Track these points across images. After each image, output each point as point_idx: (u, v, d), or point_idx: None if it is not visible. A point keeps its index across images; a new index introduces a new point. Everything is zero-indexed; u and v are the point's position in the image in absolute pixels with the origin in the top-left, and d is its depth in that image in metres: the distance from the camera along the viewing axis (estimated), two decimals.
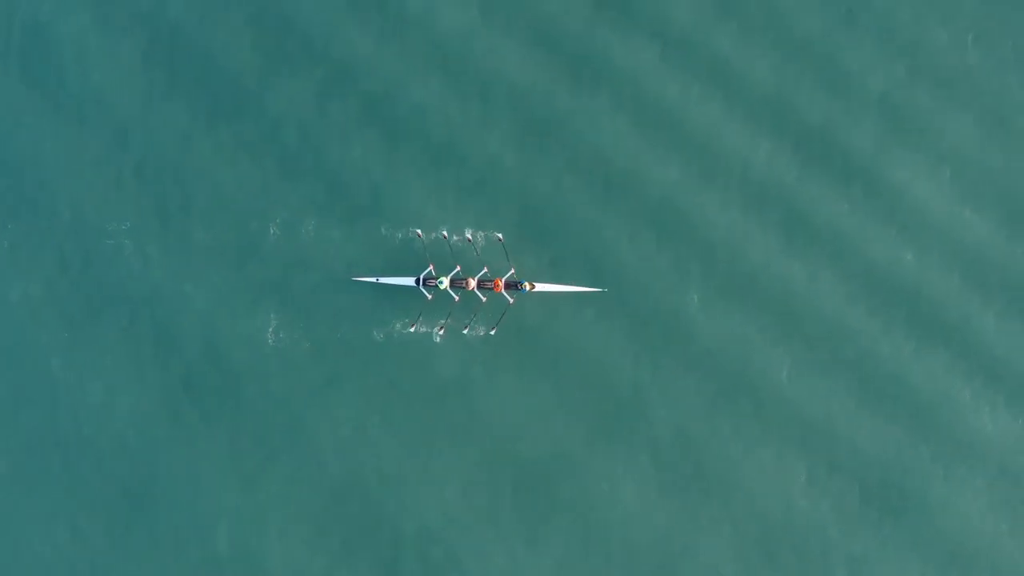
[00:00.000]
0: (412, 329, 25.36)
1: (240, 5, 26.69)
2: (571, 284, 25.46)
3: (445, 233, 25.53)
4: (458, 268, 25.24)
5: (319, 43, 26.44)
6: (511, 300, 25.15)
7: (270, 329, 25.84)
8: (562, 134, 26.10)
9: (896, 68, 26.17)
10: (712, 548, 25.25)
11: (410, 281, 25.21)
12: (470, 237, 25.53)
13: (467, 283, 25.07)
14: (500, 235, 25.49)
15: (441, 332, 25.39)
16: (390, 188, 26.04)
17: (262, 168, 26.17)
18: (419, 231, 25.50)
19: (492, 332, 25.27)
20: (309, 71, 26.40)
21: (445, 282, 24.99)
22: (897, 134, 26.05)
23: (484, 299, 25.17)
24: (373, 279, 25.41)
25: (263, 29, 26.57)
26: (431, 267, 25.18)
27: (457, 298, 25.09)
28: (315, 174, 26.12)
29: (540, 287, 25.29)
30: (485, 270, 25.22)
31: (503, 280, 25.12)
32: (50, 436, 25.86)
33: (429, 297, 25.08)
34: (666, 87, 26.19)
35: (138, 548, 25.49)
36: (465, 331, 25.34)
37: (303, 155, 26.19)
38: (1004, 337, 25.75)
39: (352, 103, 26.29)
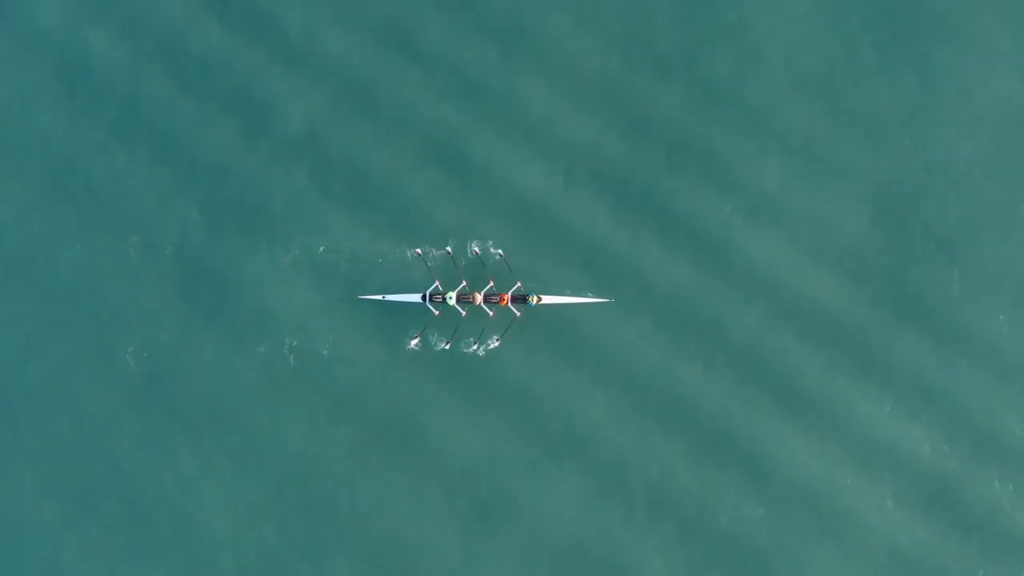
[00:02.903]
0: (414, 343, 25.41)
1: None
2: (578, 296, 25.26)
3: (449, 249, 25.30)
4: (464, 283, 25.13)
5: (317, 63, 26.52)
6: (518, 313, 25.08)
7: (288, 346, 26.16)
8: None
9: None
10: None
11: (416, 298, 25.16)
12: (477, 251, 25.27)
13: (473, 298, 24.99)
14: (500, 251, 25.23)
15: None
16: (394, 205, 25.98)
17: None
18: (419, 250, 25.33)
19: (497, 343, 25.30)
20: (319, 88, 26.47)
21: (453, 297, 24.95)
22: None
23: (491, 313, 25.12)
24: (379, 297, 25.39)
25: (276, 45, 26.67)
26: (436, 283, 25.08)
27: (464, 313, 25.09)
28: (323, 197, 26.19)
29: (547, 299, 25.13)
30: (491, 284, 25.08)
31: (509, 294, 25.00)
32: None
33: (436, 313, 25.09)
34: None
35: None
36: (477, 347, 25.38)
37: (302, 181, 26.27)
38: None
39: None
